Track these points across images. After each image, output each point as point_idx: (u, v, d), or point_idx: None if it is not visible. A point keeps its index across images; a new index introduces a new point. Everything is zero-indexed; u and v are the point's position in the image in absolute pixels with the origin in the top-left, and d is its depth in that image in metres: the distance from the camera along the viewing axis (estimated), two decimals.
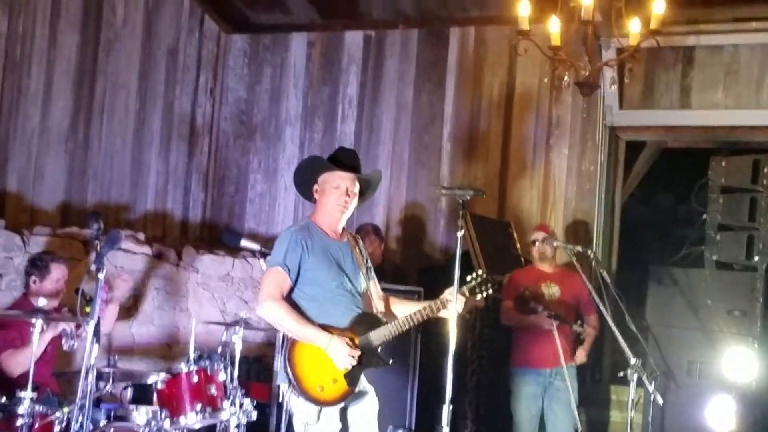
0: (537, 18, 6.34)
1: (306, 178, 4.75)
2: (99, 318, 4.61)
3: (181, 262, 8.00)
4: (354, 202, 4.69)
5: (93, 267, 4.64)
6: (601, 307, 5.77)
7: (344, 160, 4.71)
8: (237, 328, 6.04)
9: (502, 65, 8.45)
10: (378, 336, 4.56)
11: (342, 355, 4.40)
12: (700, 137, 8.25)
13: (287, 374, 4.41)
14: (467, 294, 4.64)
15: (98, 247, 4.73)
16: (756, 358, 6.70)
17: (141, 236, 7.78)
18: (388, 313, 4.81)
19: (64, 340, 5.36)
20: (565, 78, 6.35)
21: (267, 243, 8.15)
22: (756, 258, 7.06)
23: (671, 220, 9.93)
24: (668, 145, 8.66)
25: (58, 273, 5.88)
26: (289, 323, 4.43)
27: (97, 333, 4.59)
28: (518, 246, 7.79)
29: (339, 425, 4.50)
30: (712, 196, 7.31)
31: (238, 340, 6.00)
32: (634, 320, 5.92)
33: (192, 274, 8.06)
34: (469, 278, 4.68)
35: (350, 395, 4.48)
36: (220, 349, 6.02)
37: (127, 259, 7.38)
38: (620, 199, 8.33)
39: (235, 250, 7.99)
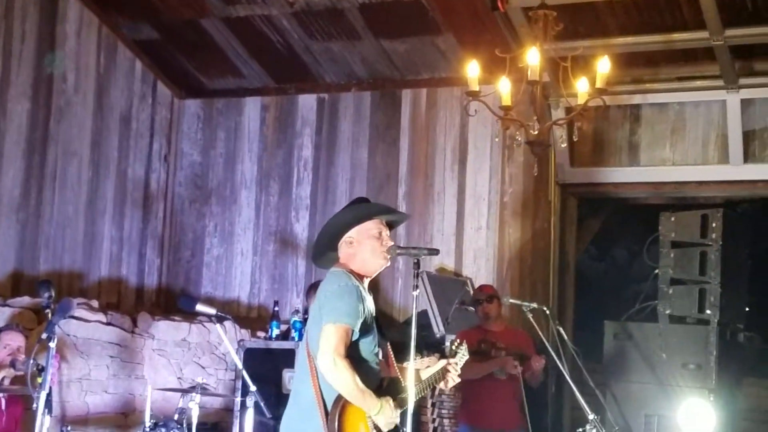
0: (487, 79, 6.43)
1: (335, 234, 4.40)
2: (51, 388, 4.55)
3: (136, 329, 7.92)
4: None
5: (44, 336, 4.59)
6: (559, 363, 5.78)
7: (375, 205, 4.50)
8: (194, 394, 5.98)
9: (454, 125, 8.55)
10: (403, 402, 4.34)
11: (390, 419, 4.23)
12: (649, 193, 8.36)
13: None
14: (467, 355, 4.57)
15: (49, 315, 4.69)
16: (712, 411, 6.73)
17: (95, 304, 7.71)
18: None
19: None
20: (517, 137, 6.42)
21: (223, 307, 8.16)
22: (708, 311, 7.14)
23: (625, 275, 10.01)
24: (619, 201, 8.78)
25: (7, 339, 5.85)
26: (354, 384, 4.13)
27: (49, 404, 4.52)
28: None
29: None
30: (663, 251, 7.40)
31: (195, 406, 5.94)
32: (592, 376, 5.94)
33: (147, 341, 7.98)
34: (452, 345, 4.61)
35: None
36: (176, 416, 5.96)
37: (80, 328, 7.30)
38: (574, 255, 8.40)
39: (191, 316, 7.94)
